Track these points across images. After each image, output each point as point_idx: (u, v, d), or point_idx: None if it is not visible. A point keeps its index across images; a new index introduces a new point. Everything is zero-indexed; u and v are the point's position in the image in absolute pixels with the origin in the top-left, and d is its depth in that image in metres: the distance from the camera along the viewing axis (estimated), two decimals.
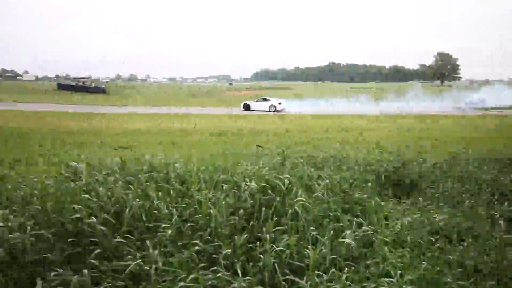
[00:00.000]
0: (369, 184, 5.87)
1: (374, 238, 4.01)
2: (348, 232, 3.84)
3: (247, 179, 4.59)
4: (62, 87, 61.10)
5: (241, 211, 4.02)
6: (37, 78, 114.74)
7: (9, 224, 3.04)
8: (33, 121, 18.95)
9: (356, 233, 3.99)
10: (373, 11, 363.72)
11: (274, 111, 35.09)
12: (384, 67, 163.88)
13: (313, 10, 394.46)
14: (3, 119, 18.96)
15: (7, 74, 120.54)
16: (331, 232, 3.85)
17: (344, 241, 3.69)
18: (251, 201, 4.23)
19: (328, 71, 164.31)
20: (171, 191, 4.61)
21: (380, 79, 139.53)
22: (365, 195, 5.24)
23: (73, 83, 63.80)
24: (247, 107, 36.62)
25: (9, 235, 2.91)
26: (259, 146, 8.26)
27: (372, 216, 4.55)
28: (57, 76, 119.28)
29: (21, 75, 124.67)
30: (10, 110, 26.06)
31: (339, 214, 4.43)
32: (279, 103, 37.20)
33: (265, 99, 38.04)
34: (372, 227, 4.16)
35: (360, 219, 4.43)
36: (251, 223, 3.95)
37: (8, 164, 7.51)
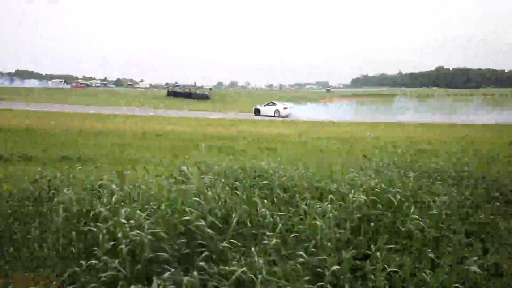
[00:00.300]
0: (496, 203, 5.08)
1: (503, 268, 3.45)
2: (473, 258, 3.34)
3: (354, 190, 4.34)
4: (171, 94, 67.82)
5: (347, 224, 3.81)
6: (150, 86, 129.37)
7: (131, 221, 3.31)
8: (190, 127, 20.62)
9: (482, 260, 3.46)
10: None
11: (278, 116, 34.86)
12: (504, 70, 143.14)
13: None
14: (163, 124, 21.15)
15: (129, 83, 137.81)
16: (452, 256, 3.40)
17: (468, 268, 3.22)
18: (358, 215, 3.98)
19: (435, 76, 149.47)
20: (275, 198, 4.62)
21: (496, 84, 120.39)
22: (491, 216, 4.57)
23: (180, 90, 70.61)
24: (257, 112, 37.31)
25: (130, 232, 3.17)
26: (365, 156, 7.82)
27: (499, 241, 3.93)
28: (166, 84, 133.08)
29: (137, 83, 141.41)
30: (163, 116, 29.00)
31: (460, 237, 3.90)
32: (284, 108, 36.94)
33: (273, 104, 38.06)
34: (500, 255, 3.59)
35: (486, 243, 3.86)
36: (358, 237, 3.71)
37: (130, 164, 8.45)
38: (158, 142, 14.37)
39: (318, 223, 3.59)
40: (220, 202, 4.07)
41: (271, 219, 3.91)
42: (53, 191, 4.05)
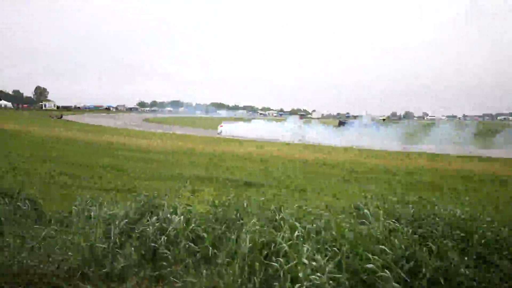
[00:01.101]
0: None
1: None
2: None
3: None
4: (342, 124, 67.52)
5: None
6: (322, 116, 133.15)
7: (313, 263, 3.18)
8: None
9: None
10: None
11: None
12: None
13: None
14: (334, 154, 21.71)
15: (302, 113, 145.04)
16: None
17: None
18: None
19: None
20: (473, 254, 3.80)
21: None
22: None
23: (352, 121, 69.74)
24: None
25: (311, 275, 3.03)
26: None
27: None
28: (337, 114, 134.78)
29: (310, 113, 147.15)
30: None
31: None
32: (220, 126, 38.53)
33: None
34: None
35: None
36: None
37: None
38: (325, 171, 14.36)
39: None
40: (408, 252, 3.56)
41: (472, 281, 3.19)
42: (241, 221, 4.28)
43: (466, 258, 3.53)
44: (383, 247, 3.48)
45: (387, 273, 3.23)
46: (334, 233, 3.80)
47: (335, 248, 3.54)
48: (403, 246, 3.62)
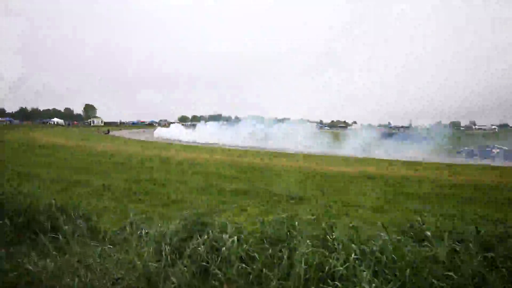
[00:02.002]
0: None
1: None
2: None
3: None
4: (384, 136, 65.46)
5: None
6: (362, 126, 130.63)
7: (373, 285, 3.01)
8: None
9: None
10: None
11: None
12: None
13: None
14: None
15: (341, 125, 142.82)
16: None
17: None
18: None
19: None
20: None
21: None
22: None
23: (394, 131, 67.44)
24: None
25: None
26: None
27: None
28: (379, 125, 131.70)
29: (350, 125, 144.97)
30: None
31: None
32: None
33: None
34: None
35: None
36: None
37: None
38: (370, 185, 13.91)
39: None
40: (476, 278, 3.28)
41: None
42: (293, 241, 4.16)
43: None
44: (449, 273, 3.23)
45: None
46: (393, 255, 3.58)
47: (396, 273, 3.33)
48: (470, 271, 3.34)
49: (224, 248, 3.95)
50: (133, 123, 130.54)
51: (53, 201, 5.33)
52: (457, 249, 3.64)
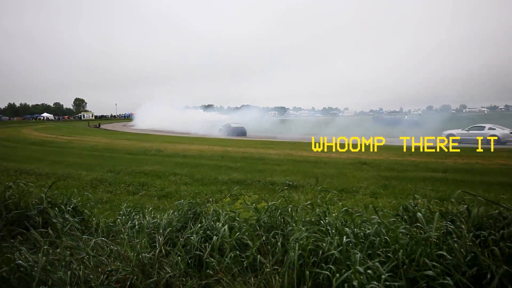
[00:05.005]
0: None
1: None
2: None
3: None
4: (377, 121, 66.05)
5: None
6: (355, 113, 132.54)
7: (369, 271, 3.02)
8: None
9: None
10: None
11: None
12: None
13: None
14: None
15: (333, 112, 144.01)
16: None
17: None
18: None
19: None
20: None
21: None
22: None
23: (387, 117, 68.05)
24: None
25: (368, 286, 2.87)
26: None
27: None
28: (370, 111, 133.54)
29: (342, 112, 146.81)
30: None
31: None
32: None
33: None
34: None
35: None
36: None
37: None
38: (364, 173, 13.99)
39: None
40: (469, 257, 3.30)
41: None
42: (288, 227, 4.17)
43: None
44: (442, 252, 3.24)
45: (448, 280, 3.01)
46: (385, 237, 3.60)
47: (389, 254, 3.34)
48: (463, 251, 3.36)
49: (216, 237, 3.93)
50: (125, 116, 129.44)
51: (43, 196, 5.26)
52: (450, 229, 3.66)
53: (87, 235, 4.48)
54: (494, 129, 29.59)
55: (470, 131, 30.51)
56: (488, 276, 3.14)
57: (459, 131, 31.33)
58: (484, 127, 30.27)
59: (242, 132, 44.47)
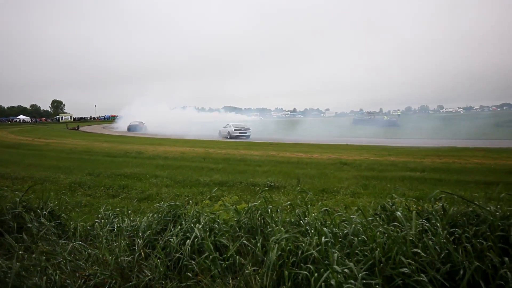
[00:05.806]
0: None
1: None
2: None
3: None
4: (357, 122, 67.06)
5: None
6: (336, 114, 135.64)
7: (346, 270, 3.06)
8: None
9: None
10: None
11: None
12: None
13: None
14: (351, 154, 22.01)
15: (314, 113, 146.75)
16: None
17: None
18: None
19: None
20: None
21: None
22: None
23: (367, 118, 69.13)
24: None
25: (345, 285, 2.91)
26: None
27: None
28: (351, 111, 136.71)
29: (324, 113, 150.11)
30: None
31: None
32: None
33: None
34: None
35: None
36: None
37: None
38: (345, 173, 14.17)
39: None
40: (443, 254, 3.39)
41: None
42: (267, 228, 4.19)
43: (507, 259, 3.32)
44: (417, 250, 3.32)
45: (423, 277, 3.08)
46: (363, 236, 3.66)
47: (366, 253, 3.40)
48: (437, 248, 3.45)
49: (196, 239, 3.91)
50: (104, 118, 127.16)
51: (17, 200, 5.12)
52: (425, 227, 3.75)
53: (64, 240, 4.39)
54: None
55: None
56: (461, 272, 3.23)
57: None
58: None
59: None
